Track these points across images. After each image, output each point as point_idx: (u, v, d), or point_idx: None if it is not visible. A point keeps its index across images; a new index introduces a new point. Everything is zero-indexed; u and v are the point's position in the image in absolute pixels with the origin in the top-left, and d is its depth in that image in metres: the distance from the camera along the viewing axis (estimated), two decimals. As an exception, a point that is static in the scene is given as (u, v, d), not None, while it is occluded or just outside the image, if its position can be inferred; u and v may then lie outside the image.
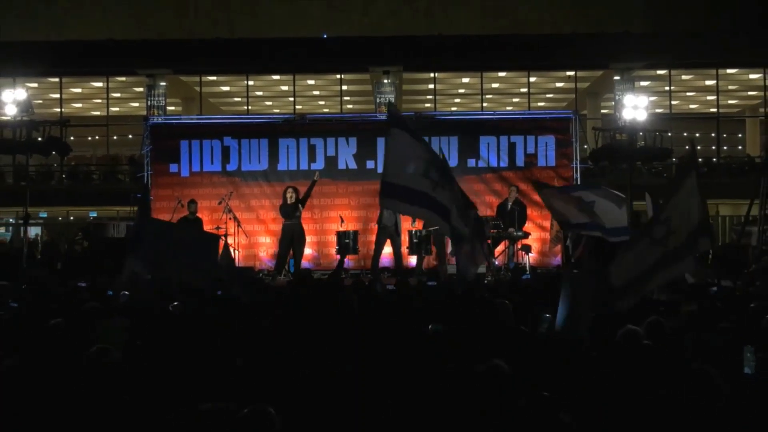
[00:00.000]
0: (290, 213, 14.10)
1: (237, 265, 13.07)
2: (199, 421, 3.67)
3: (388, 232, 13.78)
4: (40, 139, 18.15)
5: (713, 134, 28.35)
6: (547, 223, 14.82)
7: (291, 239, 14.11)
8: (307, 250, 15.07)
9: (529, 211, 14.48)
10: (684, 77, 27.99)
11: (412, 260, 14.60)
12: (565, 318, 6.39)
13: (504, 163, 15.48)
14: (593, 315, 6.21)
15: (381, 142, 15.64)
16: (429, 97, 27.88)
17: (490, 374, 4.25)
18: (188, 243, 8.26)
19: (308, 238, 14.79)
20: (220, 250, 8.63)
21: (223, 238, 12.32)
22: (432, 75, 27.06)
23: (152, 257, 7.89)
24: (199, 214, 14.63)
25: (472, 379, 4.29)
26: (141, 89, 26.99)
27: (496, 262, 13.68)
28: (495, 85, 28.50)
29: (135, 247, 8.00)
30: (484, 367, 4.30)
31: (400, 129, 8.45)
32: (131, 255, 7.93)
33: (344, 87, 27.79)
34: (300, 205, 14.16)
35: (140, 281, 8.03)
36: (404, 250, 14.38)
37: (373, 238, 14.22)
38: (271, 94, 29.63)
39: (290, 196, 14.17)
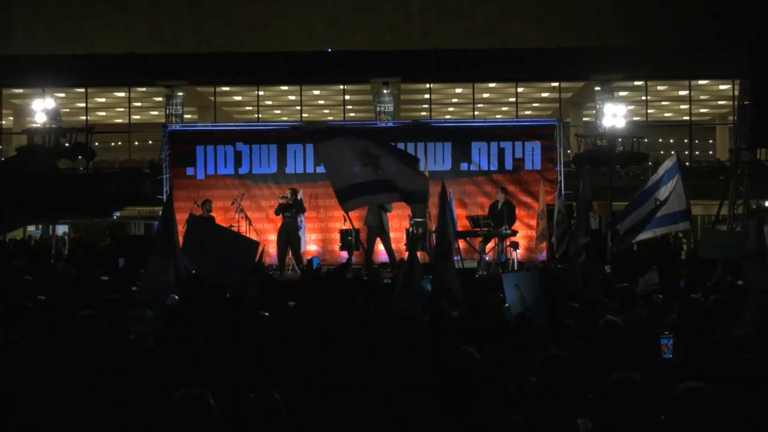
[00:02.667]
0: (283, 212, 14.00)
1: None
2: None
3: (376, 231, 13.70)
4: (67, 144, 18.18)
5: (686, 140, 28.33)
6: (533, 222, 14.81)
7: (287, 236, 14.04)
8: (313, 247, 15.04)
9: (517, 211, 14.43)
10: (659, 88, 27.97)
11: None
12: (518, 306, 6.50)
13: (494, 167, 15.45)
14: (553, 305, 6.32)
15: (381, 148, 15.61)
16: (425, 106, 27.84)
17: (462, 361, 4.19)
18: (231, 245, 8.08)
19: (314, 236, 14.70)
20: (257, 257, 8.28)
21: (262, 245, 12.10)
22: (428, 86, 27.02)
23: (196, 253, 7.76)
24: (213, 214, 14.59)
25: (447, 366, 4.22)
26: (160, 99, 26.95)
27: (487, 258, 13.66)
28: (486, 95, 28.45)
29: (166, 245, 7.86)
30: (456, 356, 4.24)
31: (324, 142, 8.32)
32: (165, 252, 7.79)
33: (347, 97, 27.75)
34: (293, 209, 13.99)
35: (159, 277, 7.89)
36: (401, 246, 14.34)
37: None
38: (280, 103, 29.59)
39: (287, 196, 14.02)
